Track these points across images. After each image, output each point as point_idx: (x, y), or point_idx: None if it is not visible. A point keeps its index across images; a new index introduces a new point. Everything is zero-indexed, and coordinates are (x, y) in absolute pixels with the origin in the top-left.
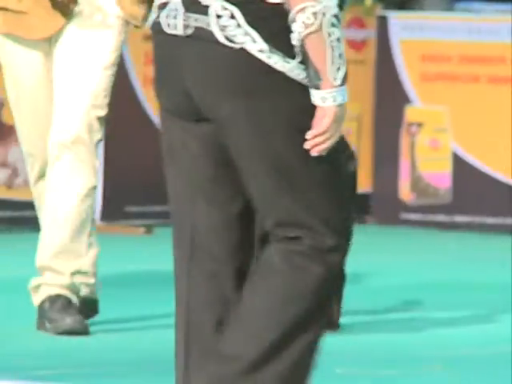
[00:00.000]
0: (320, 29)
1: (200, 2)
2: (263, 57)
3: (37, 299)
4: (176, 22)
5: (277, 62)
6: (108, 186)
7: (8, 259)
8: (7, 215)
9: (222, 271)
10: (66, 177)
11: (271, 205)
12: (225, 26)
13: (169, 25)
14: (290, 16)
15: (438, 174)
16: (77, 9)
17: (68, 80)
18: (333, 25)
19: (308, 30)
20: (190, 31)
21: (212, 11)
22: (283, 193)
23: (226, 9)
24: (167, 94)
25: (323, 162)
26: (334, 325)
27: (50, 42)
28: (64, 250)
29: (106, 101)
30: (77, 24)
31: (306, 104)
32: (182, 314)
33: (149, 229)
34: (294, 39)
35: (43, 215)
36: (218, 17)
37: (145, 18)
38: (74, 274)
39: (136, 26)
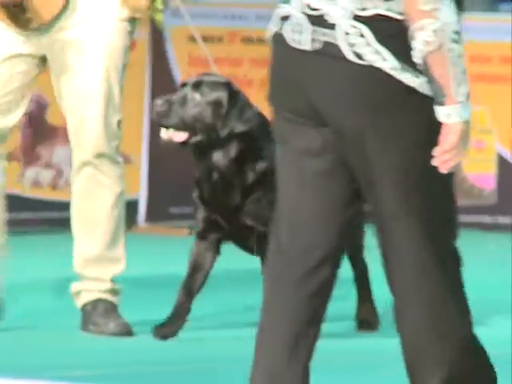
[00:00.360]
0: (441, 46)
1: (326, 20)
2: (395, 74)
3: (79, 303)
4: (302, 37)
5: (407, 77)
6: (152, 187)
7: (52, 260)
8: (52, 216)
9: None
10: (91, 189)
11: (390, 215)
12: (353, 44)
13: (294, 39)
14: (410, 33)
15: (483, 175)
16: (75, 17)
17: (79, 92)
18: (453, 41)
19: (429, 48)
20: (317, 46)
21: (340, 28)
22: (402, 204)
23: (354, 27)
24: (288, 106)
25: (443, 177)
26: (371, 324)
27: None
28: (102, 259)
29: (120, 104)
30: (78, 32)
31: (434, 119)
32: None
33: (192, 230)
34: (416, 57)
35: (74, 225)
36: (347, 34)
37: (149, 9)
38: (113, 279)
39: (155, 21)
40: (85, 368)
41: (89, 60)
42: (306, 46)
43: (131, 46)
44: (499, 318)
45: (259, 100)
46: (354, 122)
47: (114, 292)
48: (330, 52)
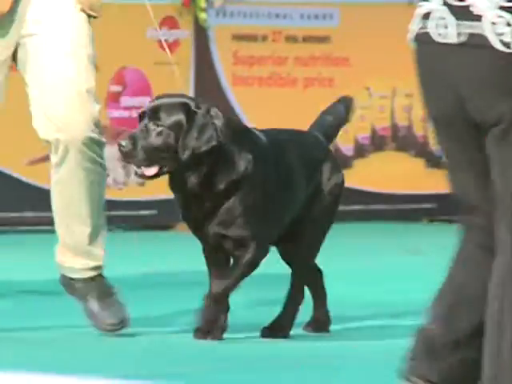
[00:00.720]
0: None
1: (472, 12)
2: None
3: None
4: (447, 30)
5: None
6: None
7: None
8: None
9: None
10: (74, 173)
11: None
12: (501, 33)
13: (439, 34)
14: None
15: None
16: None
17: (47, 70)
18: None
19: None
20: (462, 39)
21: (486, 19)
22: None
23: (501, 17)
24: (436, 104)
25: None
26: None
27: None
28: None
29: (91, 75)
30: (39, 26)
31: None
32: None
33: None
34: None
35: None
36: (493, 24)
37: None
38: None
39: (94, 17)
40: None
41: (55, 53)
42: (452, 39)
43: (175, 45)
44: None
45: (303, 99)
46: (501, 109)
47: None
48: (477, 43)
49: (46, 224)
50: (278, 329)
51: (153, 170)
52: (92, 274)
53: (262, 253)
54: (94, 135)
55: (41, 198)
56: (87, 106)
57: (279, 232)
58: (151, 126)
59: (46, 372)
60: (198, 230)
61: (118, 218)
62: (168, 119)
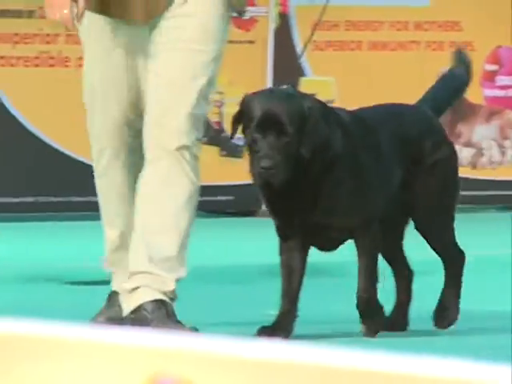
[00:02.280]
0: None
1: None
2: None
3: (133, 301)
4: None
5: None
6: None
7: None
8: (471, 194)
9: None
10: (166, 182)
11: None
12: None
13: None
14: None
15: None
16: None
17: (171, 79)
18: None
19: None
20: None
21: None
22: None
23: None
24: None
25: None
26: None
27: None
28: (173, 258)
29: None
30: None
31: None
32: None
33: None
34: None
35: (143, 219)
36: None
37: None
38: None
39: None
40: None
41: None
42: None
43: (251, 24)
44: None
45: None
46: None
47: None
48: None
49: None
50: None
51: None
52: None
53: (377, 230)
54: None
55: None
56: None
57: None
58: (276, 138)
59: None
60: (291, 221)
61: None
62: (291, 128)
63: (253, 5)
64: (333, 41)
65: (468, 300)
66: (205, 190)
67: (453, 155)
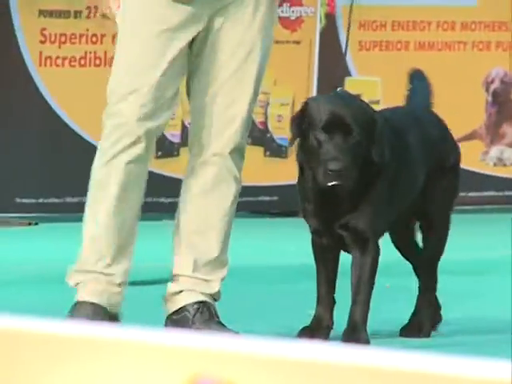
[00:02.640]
0: None
1: None
2: None
3: (176, 304)
4: None
5: None
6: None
7: None
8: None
9: None
10: (215, 186)
11: None
12: None
13: None
14: None
15: None
16: None
17: (231, 78)
18: None
19: None
20: None
21: None
22: None
23: None
24: None
25: None
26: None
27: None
28: (215, 260)
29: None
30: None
31: None
32: None
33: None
34: None
35: (189, 222)
36: None
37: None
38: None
39: None
40: None
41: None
42: None
43: (297, 24)
44: None
45: None
46: None
47: (217, 297)
48: None
49: None
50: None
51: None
52: None
53: (379, 249)
54: None
55: None
56: None
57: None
58: (343, 139)
59: None
60: (325, 222)
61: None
62: (358, 128)
63: (300, 5)
64: (379, 41)
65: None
66: (249, 191)
67: (459, 161)
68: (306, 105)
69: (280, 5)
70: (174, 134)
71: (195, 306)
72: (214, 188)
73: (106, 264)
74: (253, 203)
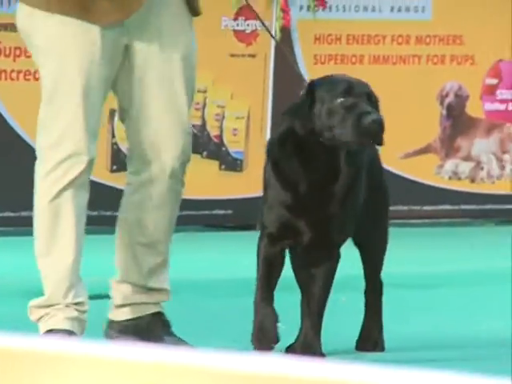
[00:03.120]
0: None
1: None
2: None
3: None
4: None
5: None
6: None
7: None
8: (470, 208)
9: None
10: (163, 203)
11: None
12: None
13: None
14: None
15: None
16: None
17: (170, 96)
18: None
19: None
20: None
21: None
22: None
23: None
24: None
25: None
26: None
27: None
28: (164, 269)
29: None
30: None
31: None
32: None
33: None
34: None
35: (136, 236)
36: None
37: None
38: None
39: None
40: None
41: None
42: None
43: (252, 37)
44: None
45: None
46: None
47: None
48: None
49: None
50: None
51: None
52: None
53: (339, 257)
54: None
55: (409, 191)
56: None
57: None
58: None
59: None
60: (292, 216)
61: (492, 211)
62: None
63: (255, 18)
64: (334, 54)
65: (467, 314)
66: (203, 204)
67: (383, 175)
68: (311, 84)
69: (235, 18)
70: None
71: (149, 318)
72: (163, 202)
73: (74, 294)
74: (207, 217)
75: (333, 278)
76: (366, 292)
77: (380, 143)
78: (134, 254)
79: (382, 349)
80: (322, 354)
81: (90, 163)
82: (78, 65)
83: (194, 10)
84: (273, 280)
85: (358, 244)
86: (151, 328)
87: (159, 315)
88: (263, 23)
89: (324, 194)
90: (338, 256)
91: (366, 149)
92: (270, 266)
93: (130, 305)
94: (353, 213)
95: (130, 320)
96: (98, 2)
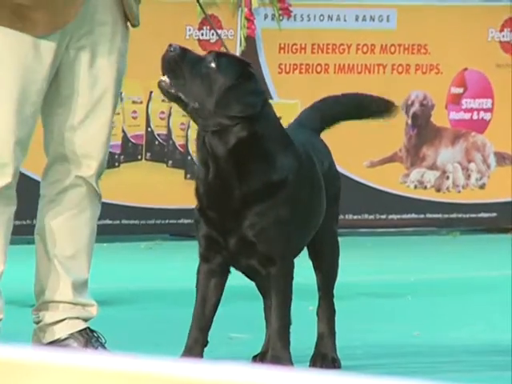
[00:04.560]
0: None
1: None
2: None
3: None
4: None
5: None
6: None
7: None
8: (436, 217)
9: None
10: (82, 209)
11: None
12: None
13: None
14: None
15: None
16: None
17: (93, 105)
18: None
19: None
20: None
21: None
22: None
23: None
24: None
25: None
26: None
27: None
28: (86, 283)
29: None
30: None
31: None
32: None
33: None
34: None
35: (59, 246)
36: None
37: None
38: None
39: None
40: None
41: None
42: None
43: (218, 46)
44: None
45: None
46: None
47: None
48: None
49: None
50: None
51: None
52: None
53: (291, 271)
54: None
55: (375, 200)
56: None
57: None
58: (207, 62)
59: None
60: (218, 231)
61: (458, 220)
62: (223, 68)
63: (219, 27)
64: (299, 63)
65: (433, 322)
66: (169, 213)
67: (340, 189)
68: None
69: (200, 28)
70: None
71: (80, 335)
72: (82, 210)
73: None
74: (173, 226)
75: (285, 290)
76: (319, 308)
77: (171, 77)
78: (56, 268)
79: (339, 366)
80: (291, 364)
81: (15, 176)
82: (13, 75)
83: (130, 21)
84: (209, 302)
85: (310, 256)
86: (83, 345)
87: (90, 331)
88: (219, 35)
89: (242, 208)
90: (286, 268)
91: (301, 157)
92: (205, 288)
93: (59, 322)
94: (295, 225)
95: (60, 340)
96: (33, 12)
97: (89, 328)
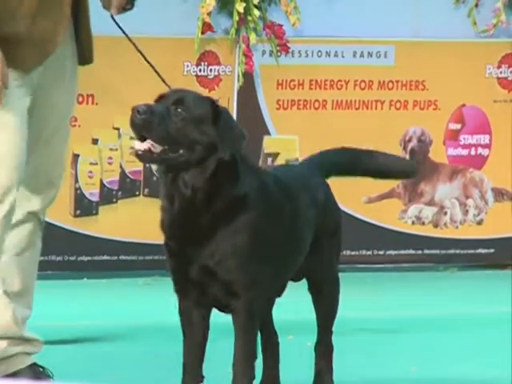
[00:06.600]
0: None
1: None
2: None
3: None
4: None
5: None
6: None
7: None
8: (434, 253)
9: None
10: (30, 245)
11: None
12: None
13: None
14: None
15: None
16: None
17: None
18: None
19: None
20: None
21: None
22: None
23: None
24: None
25: None
26: None
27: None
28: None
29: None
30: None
31: None
32: None
33: None
34: None
35: (8, 282)
36: None
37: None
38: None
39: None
40: None
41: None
42: None
43: (216, 82)
44: None
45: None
46: None
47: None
48: None
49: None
50: None
51: (144, 145)
52: None
53: (257, 308)
54: None
55: (373, 236)
56: None
57: (283, 283)
58: (173, 110)
59: None
60: (182, 262)
61: (456, 256)
62: (195, 110)
63: (218, 63)
64: (297, 99)
65: (432, 357)
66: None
67: (341, 224)
68: None
69: (197, 64)
70: (92, 193)
71: (30, 370)
72: (29, 246)
73: None
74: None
75: (247, 328)
76: (317, 344)
77: (150, 137)
78: (4, 304)
79: None
80: None
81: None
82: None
83: (85, 58)
84: (196, 338)
85: (310, 290)
86: (33, 379)
87: (36, 366)
88: (160, 75)
89: (203, 236)
90: (250, 304)
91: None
92: (189, 325)
93: (6, 359)
94: (244, 252)
95: (7, 375)
96: (21, 49)
97: (35, 363)
